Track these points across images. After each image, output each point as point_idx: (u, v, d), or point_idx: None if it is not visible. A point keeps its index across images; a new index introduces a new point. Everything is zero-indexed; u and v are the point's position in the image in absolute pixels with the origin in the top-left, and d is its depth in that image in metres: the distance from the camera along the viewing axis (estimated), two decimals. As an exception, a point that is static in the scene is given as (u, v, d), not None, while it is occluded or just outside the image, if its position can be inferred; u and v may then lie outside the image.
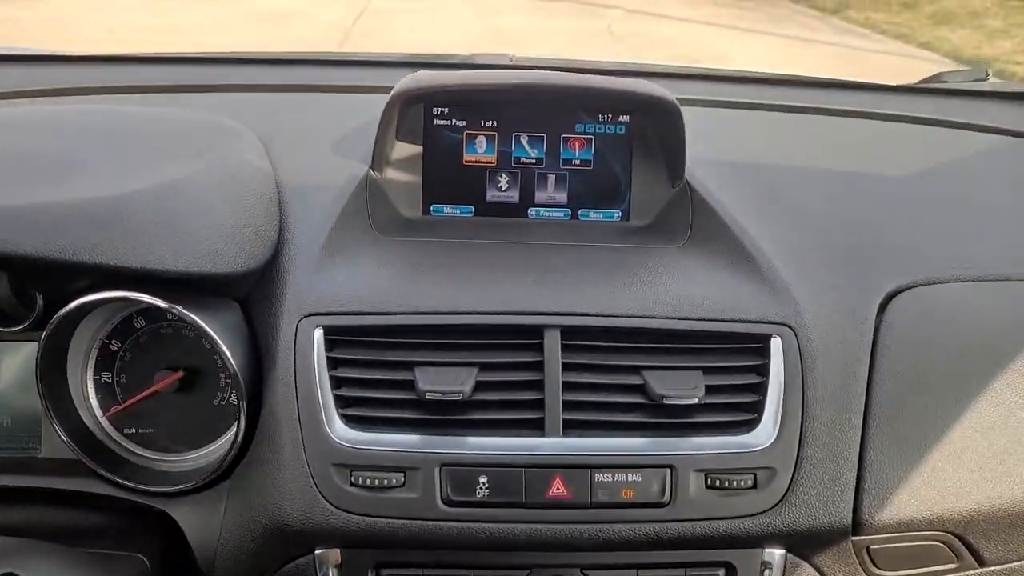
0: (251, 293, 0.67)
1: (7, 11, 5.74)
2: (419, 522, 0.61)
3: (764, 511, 0.63)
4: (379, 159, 0.76)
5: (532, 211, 0.80)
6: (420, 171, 0.79)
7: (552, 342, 0.63)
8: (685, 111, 0.75)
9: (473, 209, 0.80)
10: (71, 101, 0.88)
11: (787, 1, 8.55)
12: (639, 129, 0.80)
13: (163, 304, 0.60)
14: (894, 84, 1.16)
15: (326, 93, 0.96)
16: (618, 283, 0.68)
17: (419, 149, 0.79)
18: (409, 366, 0.63)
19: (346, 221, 0.71)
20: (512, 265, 0.70)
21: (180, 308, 0.60)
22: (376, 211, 0.74)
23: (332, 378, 0.63)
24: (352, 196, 0.73)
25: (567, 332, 0.64)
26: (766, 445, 0.63)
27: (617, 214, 0.81)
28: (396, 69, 1.08)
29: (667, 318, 0.65)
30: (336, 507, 0.61)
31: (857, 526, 0.65)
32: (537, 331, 0.64)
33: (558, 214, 0.80)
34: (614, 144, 0.80)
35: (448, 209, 0.80)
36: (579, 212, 0.81)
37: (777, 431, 0.63)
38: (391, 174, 0.78)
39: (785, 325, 0.66)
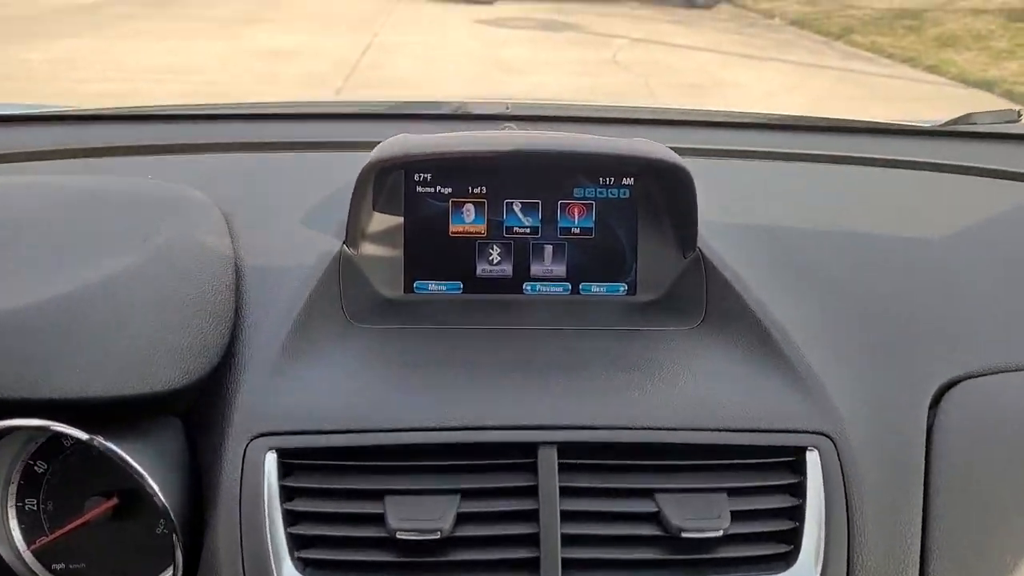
0: (196, 406, 0.58)
1: (16, 52, 5.80)
2: None
3: None
4: (354, 233, 0.68)
5: (528, 286, 0.72)
6: (401, 244, 0.71)
7: (547, 462, 0.54)
8: (692, 163, 0.67)
9: (461, 285, 0.72)
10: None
11: (791, 27, 8.55)
12: (645, 193, 0.72)
13: (82, 436, 0.52)
14: (919, 126, 1.08)
15: (307, 152, 0.89)
16: (624, 384, 0.59)
17: (400, 220, 0.71)
18: (378, 496, 0.54)
19: (314, 309, 0.63)
20: (503, 363, 0.61)
21: (101, 439, 0.52)
22: (350, 294, 0.66)
23: (286, 513, 0.53)
24: (323, 278, 0.65)
25: (565, 449, 0.55)
26: None
27: (623, 287, 0.72)
28: (382, 123, 1.02)
29: (682, 429, 0.56)
30: None
31: None
32: (530, 449, 0.55)
33: (557, 289, 0.72)
34: (617, 210, 0.72)
35: (433, 286, 0.72)
36: (580, 286, 0.72)
37: (820, 567, 0.54)
38: (369, 249, 0.70)
39: (823, 434, 0.57)
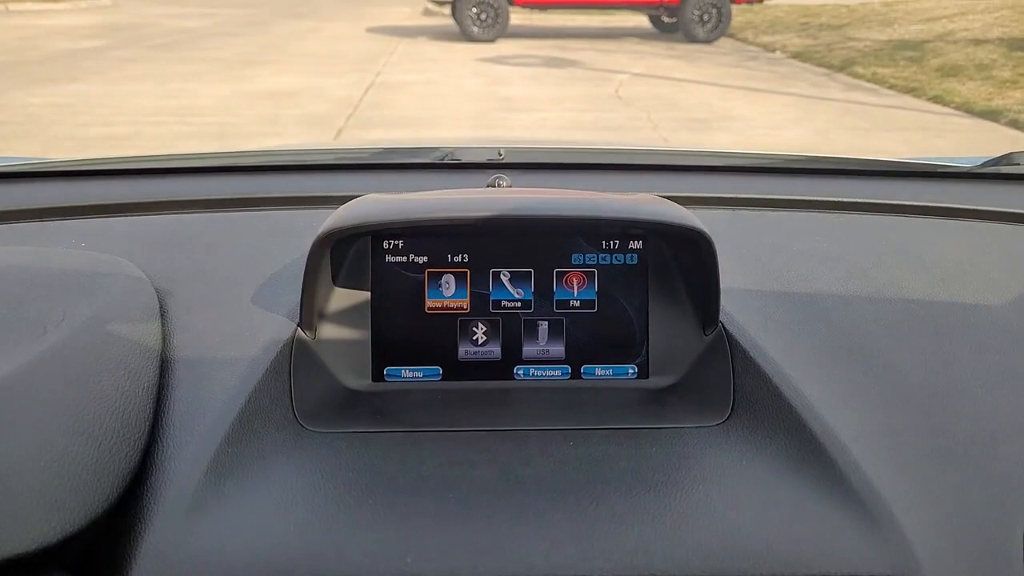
0: (90, 555, 0.46)
1: (18, 97, 5.81)
2: None
3: None
4: (310, 314, 0.57)
5: (520, 370, 0.61)
6: (368, 325, 0.60)
7: None
8: (706, 215, 0.56)
9: (440, 371, 0.60)
10: None
11: (793, 60, 8.56)
12: (656, 258, 0.61)
13: None
14: (956, 168, 0.97)
15: (275, 210, 0.79)
16: (638, 516, 0.47)
17: (366, 296, 0.60)
18: None
19: (255, 414, 0.51)
20: (487, 487, 0.48)
21: None
22: (304, 389, 0.55)
23: None
24: (269, 371, 0.54)
25: None
26: None
27: (632, 370, 0.61)
28: (362, 174, 0.91)
29: None
30: None
31: None
32: None
33: (554, 372, 0.61)
34: (624, 279, 0.61)
35: (407, 372, 0.60)
36: (582, 368, 0.61)
37: None
38: (329, 331, 0.59)
39: None
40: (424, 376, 0.60)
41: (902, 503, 0.47)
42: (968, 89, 6.61)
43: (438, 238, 0.60)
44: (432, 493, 0.48)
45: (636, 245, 0.61)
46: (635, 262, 0.61)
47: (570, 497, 0.47)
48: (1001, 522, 0.47)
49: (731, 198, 0.83)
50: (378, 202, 0.57)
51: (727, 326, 0.58)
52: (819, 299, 0.63)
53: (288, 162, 0.95)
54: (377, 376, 0.60)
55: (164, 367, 0.53)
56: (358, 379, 0.59)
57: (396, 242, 0.60)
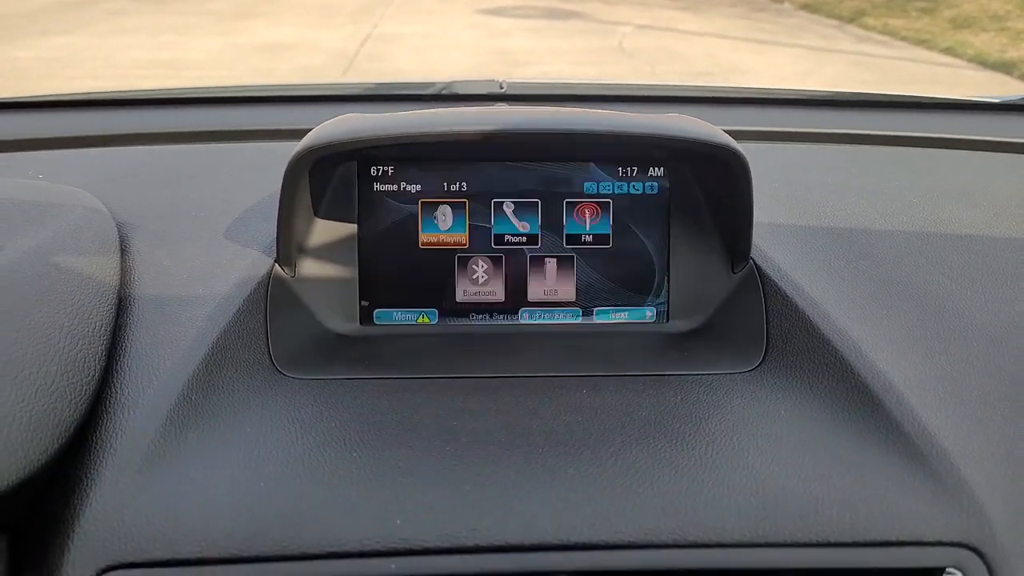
0: (32, 515, 0.40)
1: (6, 51, 5.65)
2: None
3: None
4: (288, 247, 0.50)
5: (525, 313, 0.54)
6: (355, 261, 0.53)
7: None
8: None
9: (436, 313, 0.54)
10: None
11: (802, 11, 8.34)
12: (680, 187, 0.54)
13: None
14: (995, 102, 0.89)
15: (251, 142, 0.72)
16: (662, 472, 0.40)
17: (352, 229, 0.53)
18: None
19: (224, 357, 0.45)
20: (489, 440, 0.42)
21: None
22: (281, 332, 0.48)
23: None
24: (241, 311, 0.47)
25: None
26: None
27: (651, 312, 0.54)
28: (351, 105, 0.84)
29: (754, 546, 0.38)
30: None
31: None
32: None
33: (564, 316, 0.54)
34: (643, 210, 0.54)
35: (399, 315, 0.54)
36: (595, 311, 0.54)
37: None
38: (310, 269, 0.52)
39: (966, 547, 0.38)
40: (418, 319, 0.54)
41: (969, 459, 0.41)
42: (981, 41, 6.43)
43: (433, 164, 0.53)
44: (426, 447, 0.41)
45: (657, 172, 0.54)
46: (655, 192, 0.54)
47: (584, 451, 0.41)
48: None
49: (760, 131, 0.75)
50: (364, 119, 0.49)
51: (759, 263, 0.52)
52: (862, 234, 0.56)
53: (266, 93, 0.87)
54: (365, 319, 0.53)
55: (122, 306, 0.47)
56: (344, 322, 0.53)
57: (385, 168, 0.53)
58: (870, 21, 7.60)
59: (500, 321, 0.54)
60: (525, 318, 0.54)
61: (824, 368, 0.46)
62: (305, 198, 0.50)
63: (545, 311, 0.54)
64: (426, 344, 0.52)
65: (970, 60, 5.97)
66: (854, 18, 7.75)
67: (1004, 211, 0.61)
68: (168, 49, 5.80)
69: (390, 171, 0.53)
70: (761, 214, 0.52)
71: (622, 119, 0.50)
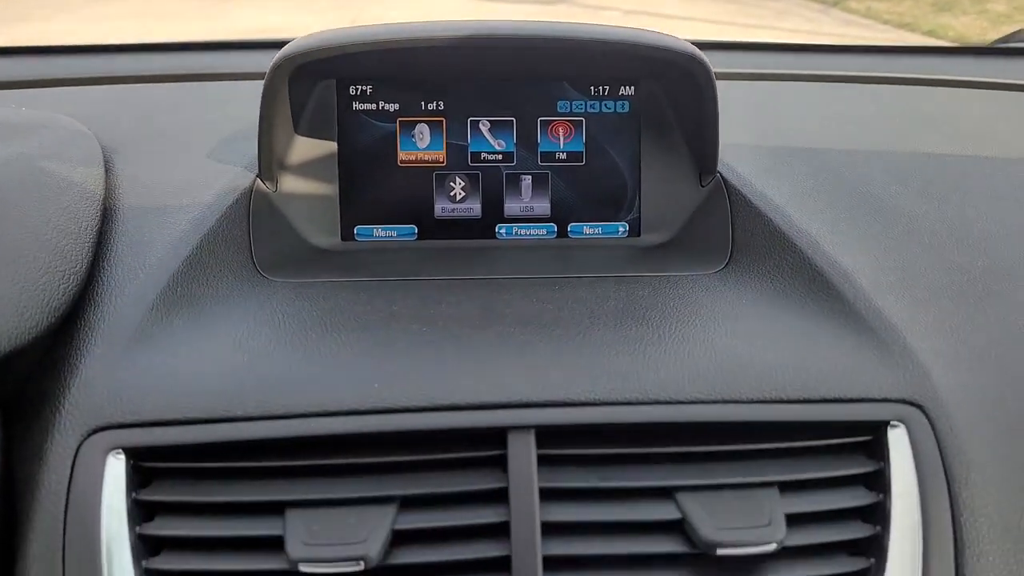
0: (22, 391, 0.42)
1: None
2: None
3: None
4: (269, 161, 0.52)
5: (502, 228, 0.56)
6: (335, 178, 0.55)
7: (522, 454, 0.39)
8: None
9: (416, 230, 0.56)
10: None
11: (787, -6, 8.36)
12: (650, 105, 0.56)
13: None
14: (963, 46, 0.92)
15: (227, 82, 0.73)
16: (627, 343, 0.43)
17: (332, 147, 0.55)
18: (276, 510, 0.38)
19: (208, 257, 0.46)
20: (462, 318, 0.45)
21: None
22: (264, 241, 0.50)
23: (139, 539, 0.38)
24: (224, 218, 0.49)
25: (546, 436, 0.39)
26: None
27: (623, 228, 0.56)
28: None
29: (712, 402, 0.40)
30: None
31: None
32: (498, 436, 0.39)
33: (539, 231, 0.56)
34: (615, 128, 0.56)
35: (379, 231, 0.56)
36: (569, 227, 0.56)
37: None
38: (291, 184, 0.54)
39: (910, 403, 0.41)
40: (398, 236, 0.55)
41: (916, 333, 0.43)
42: (962, 23, 6.47)
43: (411, 83, 0.54)
44: (403, 328, 0.43)
45: (628, 91, 0.56)
46: (626, 110, 0.56)
47: (555, 330, 0.43)
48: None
49: (731, 72, 0.77)
50: (340, 30, 0.51)
51: (726, 176, 0.54)
52: (825, 153, 0.58)
53: (247, 40, 0.87)
54: (347, 235, 0.55)
55: (107, 215, 0.48)
56: (325, 237, 0.54)
57: (364, 87, 0.55)
58: (853, 4, 7.62)
59: (477, 237, 0.56)
60: (502, 234, 0.56)
61: (784, 263, 0.49)
62: (285, 112, 0.52)
63: (521, 227, 0.56)
64: (405, 259, 0.54)
65: (952, 42, 6.02)
66: (838, 1, 7.79)
67: (964, 135, 0.63)
68: (150, 36, 5.76)
69: (368, 90, 0.55)
70: (729, 137, 0.54)
71: (594, 29, 0.52)
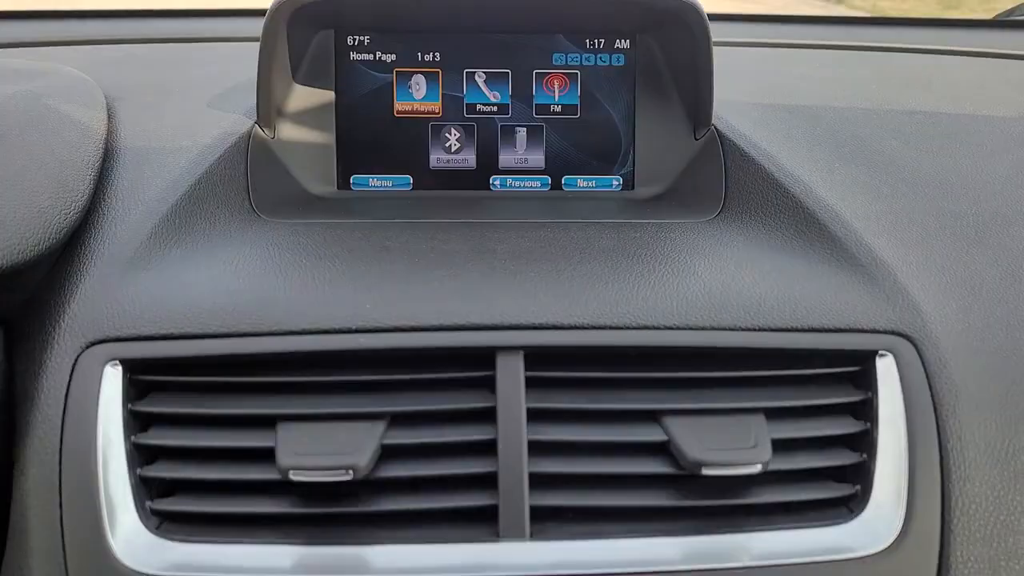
0: (23, 309, 0.43)
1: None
2: None
3: None
4: (267, 108, 0.52)
5: (496, 180, 0.57)
6: (332, 127, 0.55)
7: (510, 375, 0.39)
8: None
9: (411, 180, 0.56)
10: None
11: (791, -10, 8.36)
12: (645, 59, 0.56)
13: None
14: (966, 19, 0.92)
15: (226, 43, 0.73)
16: (617, 273, 0.43)
17: (330, 96, 0.55)
18: (268, 423, 0.39)
19: (206, 194, 0.47)
20: (454, 251, 0.45)
21: None
22: (262, 186, 0.51)
23: (135, 448, 0.39)
24: (223, 159, 0.49)
25: (534, 357, 0.40)
26: (885, 546, 0.38)
27: (617, 181, 0.57)
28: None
29: (699, 328, 0.41)
30: None
31: None
32: (486, 357, 0.40)
33: (533, 183, 0.57)
34: (609, 82, 0.56)
35: (375, 181, 0.56)
36: (563, 180, 0.57)
37: (903, 519, 0.39)
38: (289, 132, 0.54)
39: (899, 334, 0.41)
40: (394, 185, 0.56)
41: (907, 271, 0.44)
42: (968, 20, 6.48)
43: (407, 35, 0.55)
44: (396, 259, 0.44)
45: (623, 45, 0.56)
46: (622, 63, 0.56)
47: (544, 263, 0.44)
48: (1015, 290, 0.44)
49: (730, 41, 0.78)
50: None
51: (720, 128, 0.54)
52: (821, 109, 0.59)
53: (249, 7, 0.88)
54: (343, 184, 0.55)
55: (109, 155, 0.49)
56: (322, 185, 0.55)
57: (362, 38, 0.55)
58: (858, 2, 7.63)
59: (471, 188, 0.56)
60: (496, 185, 0.56)
61: (777, 208, 0.49)
62: (283, 60, 0.52)
63: (515, 179, 0.56)
64: (400, 207, 0.54)
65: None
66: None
67: (960, 97, 0.64)
68: (156, 4, 5.74)
69: (366, 40, 0.55)
70: (724, 95, 0.54)
71: None
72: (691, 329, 0.40)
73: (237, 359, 0.40)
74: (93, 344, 0.39)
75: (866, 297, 0.42)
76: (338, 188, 0.55)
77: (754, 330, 0.40)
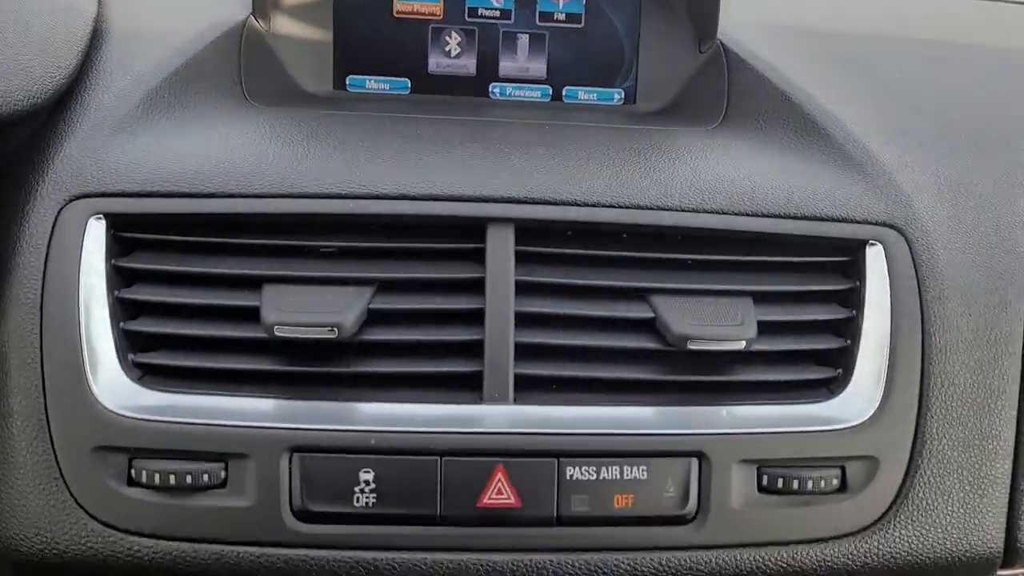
0: (7, 169, 0.42)
1: None
2: (251, 550, 0.36)
3: (857, 531, 0.38)
4: (263, 2, 0.51)
5: (495, 88, 0.55)
6: (330, 26, 0.54)
7: (500, 246, 0.39)
8: None
9: (409, 83, 0.55)
10: None
11: None
12: None
13: None
14: None
15: None
16: (612, 159, 0.43)
17: None
18: (254, 284, 0.38)
19: (195, 78, 0.46)
20: (450, 135, 0.45)
21: None
22: (254, 76, 0.50)
23: (119, 303, 0.38)
24: (215, 44, 0.48)
25: (526, 231, 0.39)
26: (862, 419, 0.38)
27: (618, 95, 0.55)
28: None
29: (694, 211, 0.40)
30: (102, 522, 0.36)
31: (1011, 553, 0.40)
32: (476, 227, 0.39)
33: (533, 93, 0.55)
34: (615, -9, 0.55)
35: (372, 83, 0.55)
36: (564, 91, 0.56)
37: (881, 396, 0.38)
38: (285, 26, 0.53)
39: (889, 226, 0.41)
40: (391, 88, 0.55)
41: (903, 171, 0.44)
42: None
43: None
44: (388, 139, 0.44)
45: None
46: None
47: (539, 148, 0.43)
48: (1008, 195, 0.43)
49: None
50: None
51: (724, 42, 0.53)
52: (828, 31, 0.57)
53: None
54: (339, 83, 0.54)
55: (99, 34, 0.48)
56: (317, 83, 0.54)
57: None
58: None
59: (471, 93, 0.55)
60: (495, 93, 0.55)
61: (778, 115, 0.48)
62: None
63: (515, 87, 0.55)
64: (397, 109, 0.53)
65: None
66: None
67: (969, 31, 0.63)
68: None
69: None
70: (729, 16, 0.53)
71: None
72: (682, 211, 0.40)
73: (224, 219, 0.39)
74: (77, 198, 0.39)
75: (859, 190, 0.42)
76: (334, 88, 0.54)
77: (746, 215, 0.40)
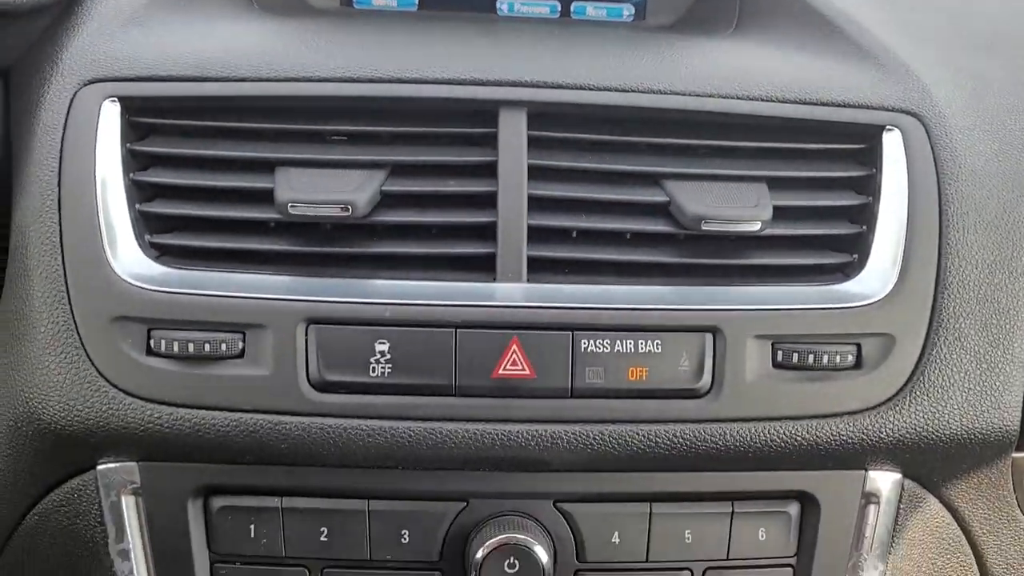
0: (22, 59, 0.43)
1: None
2: (269, 418, 0.36)
3: (873, 407, 0.38)
4: None
5: (503, 4, 0.55)
6: None
7: (512, 130, 0.39)
8: None
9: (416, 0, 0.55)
10: None
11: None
12: None
13: None
14: None
15: None
16: (627, 49, 0.43)
17: None
18: (267, 167, 0.39)
19: None
20: (462, 28, 0.46)
21: None
22: None
23: (133, 185, 0.39)
24: None
25: (539, 115, 0.39)
26: (878, 297, 0.38)
27: (628, 11, 0.56)
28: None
29: (710, 96, 0.40)
30: (123, 390, 0.36)
31: None
32: (488, 112, 0.39)
33: (541, 8, 0.55)
34: (622, -93, 0.55)
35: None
36: (572, 7, 0.56)
37: (898, 276, 0.38)
38: None
39: (908, 112, 0.41)
40: (399, 5, 0.55)
41: (920, 64, 0.44)
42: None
43: None
44: (401, 33, 0.45)
45: None
46: None
47: (552, 40, 0.44)
48: (1016, 84, 0.44)
49: None
50: None
51: None
52: None
53: None
54: (346, -1, 0.55)
55: None
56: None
57: None
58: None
59: (478, 8, 0.55)
60: (503, 9, 0.55)
61: (791, 17, 0.49)
62: None
63: (523, 2, 0.55)
64: (403, 23, 0.54)
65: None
66: None
67: None
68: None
69: None
70: None
71: None
72: (697, 95, 0.40)
73: (236, 103, 0.40)
74: (91, 83, 0.39)
75: (877, 78, 0.42)
76: (341, 3, 0.54)
77: (762, 100, 0.40)
